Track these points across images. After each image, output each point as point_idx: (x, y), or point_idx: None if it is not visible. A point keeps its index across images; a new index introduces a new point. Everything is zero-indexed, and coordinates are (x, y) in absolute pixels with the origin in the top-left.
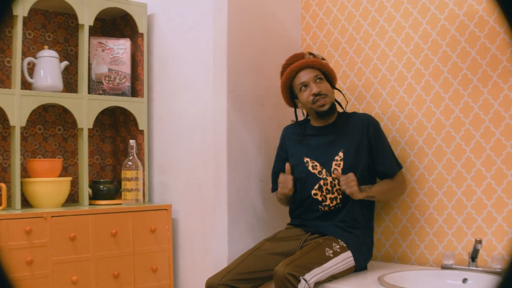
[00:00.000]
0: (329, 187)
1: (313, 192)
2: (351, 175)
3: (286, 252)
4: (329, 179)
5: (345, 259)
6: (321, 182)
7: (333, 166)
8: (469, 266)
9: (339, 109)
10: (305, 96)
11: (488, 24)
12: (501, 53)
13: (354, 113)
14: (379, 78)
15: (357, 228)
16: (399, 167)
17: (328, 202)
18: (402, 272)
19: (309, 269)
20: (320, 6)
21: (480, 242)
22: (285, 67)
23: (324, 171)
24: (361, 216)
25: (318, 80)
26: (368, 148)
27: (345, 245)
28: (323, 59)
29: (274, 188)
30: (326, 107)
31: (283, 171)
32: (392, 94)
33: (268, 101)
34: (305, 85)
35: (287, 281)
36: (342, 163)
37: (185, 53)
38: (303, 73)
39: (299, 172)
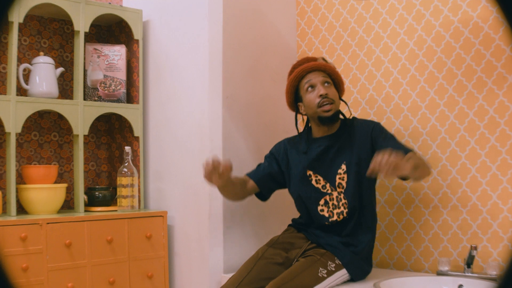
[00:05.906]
0: (335, 202)
1: (319, 208)
2: (385, 155)
3: (287, 262)
4: (335, 193)
5: (340, 276)
6: (327, 197)
7: (337, 180)
8: (464, 273)
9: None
10: (311, 97)
11: (483, 30)
12: (496, 59)
13: (355, 121)
14: (374, 84)
15: (358, 241)
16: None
17: (335, 217)
18: (398, 278)
19: None
20: (315, 13)
21: (475, 248)
22: (295, 66)
23: (328, 185)
24: (370, 220)
25: (326, 84)
26: (373, 152)
27: (340, 262)
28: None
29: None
30: (330, 113)
31: (264, 178)
32: (387, 101)
33: (263, 107)
34: (312, 86)
35: None
36: (345, 176)
37: (180, 60)
38: (313, 75)
39: (301, 186)
